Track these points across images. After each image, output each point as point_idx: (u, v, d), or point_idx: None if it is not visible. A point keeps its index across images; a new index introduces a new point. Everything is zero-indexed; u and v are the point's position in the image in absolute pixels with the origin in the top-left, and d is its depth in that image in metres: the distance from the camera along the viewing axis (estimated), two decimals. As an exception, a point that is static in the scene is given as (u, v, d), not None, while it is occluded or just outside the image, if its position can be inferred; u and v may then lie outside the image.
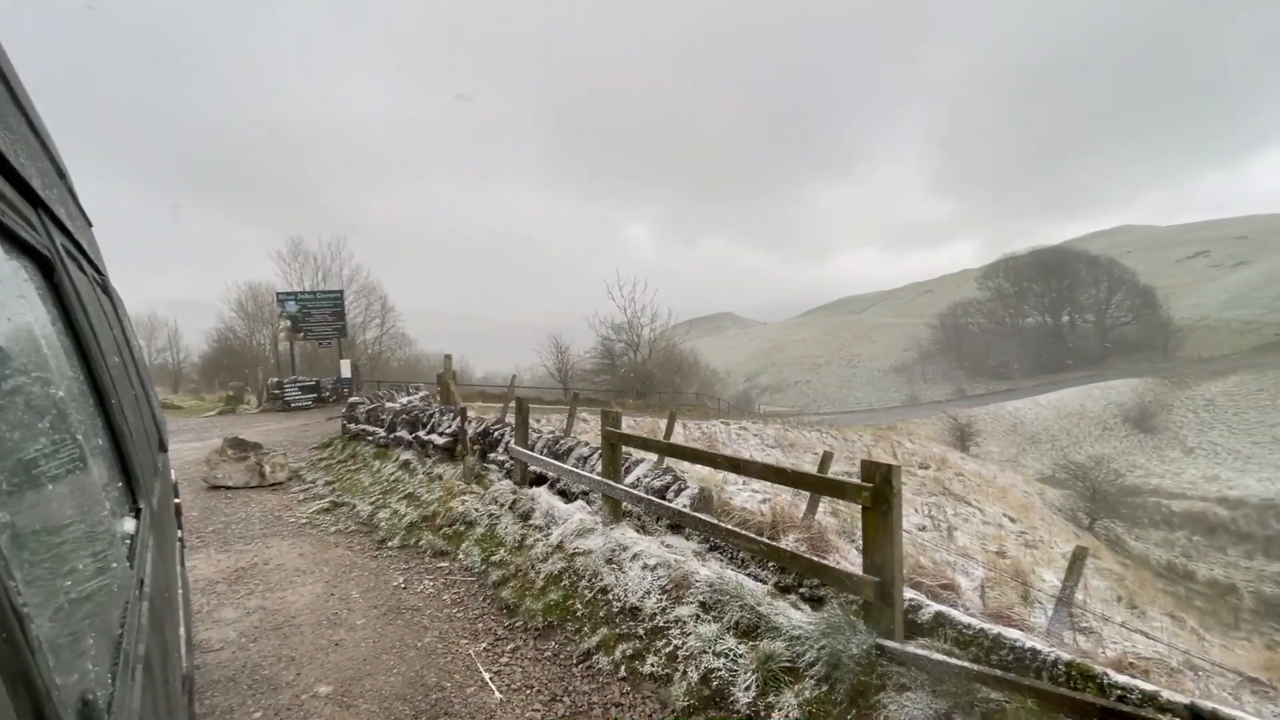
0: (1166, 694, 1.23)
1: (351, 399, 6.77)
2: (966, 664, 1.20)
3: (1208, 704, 1.13)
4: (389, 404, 6.23)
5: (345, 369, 11.42)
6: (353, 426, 5.71)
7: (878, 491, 1.41)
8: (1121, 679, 1.30)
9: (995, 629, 1.49)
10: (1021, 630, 1.72)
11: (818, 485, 1.78)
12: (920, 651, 1.33)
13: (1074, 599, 3.62)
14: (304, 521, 3.51)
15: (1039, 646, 1.43)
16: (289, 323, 11.67)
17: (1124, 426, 25.22)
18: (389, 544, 3.03)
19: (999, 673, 1.16)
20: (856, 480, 1.47)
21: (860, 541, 1.51)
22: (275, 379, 11.17)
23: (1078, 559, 3.55)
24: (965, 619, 1.50)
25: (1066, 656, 1.40)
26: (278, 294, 12.42)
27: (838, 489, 1.55)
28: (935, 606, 1.46)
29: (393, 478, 4.03)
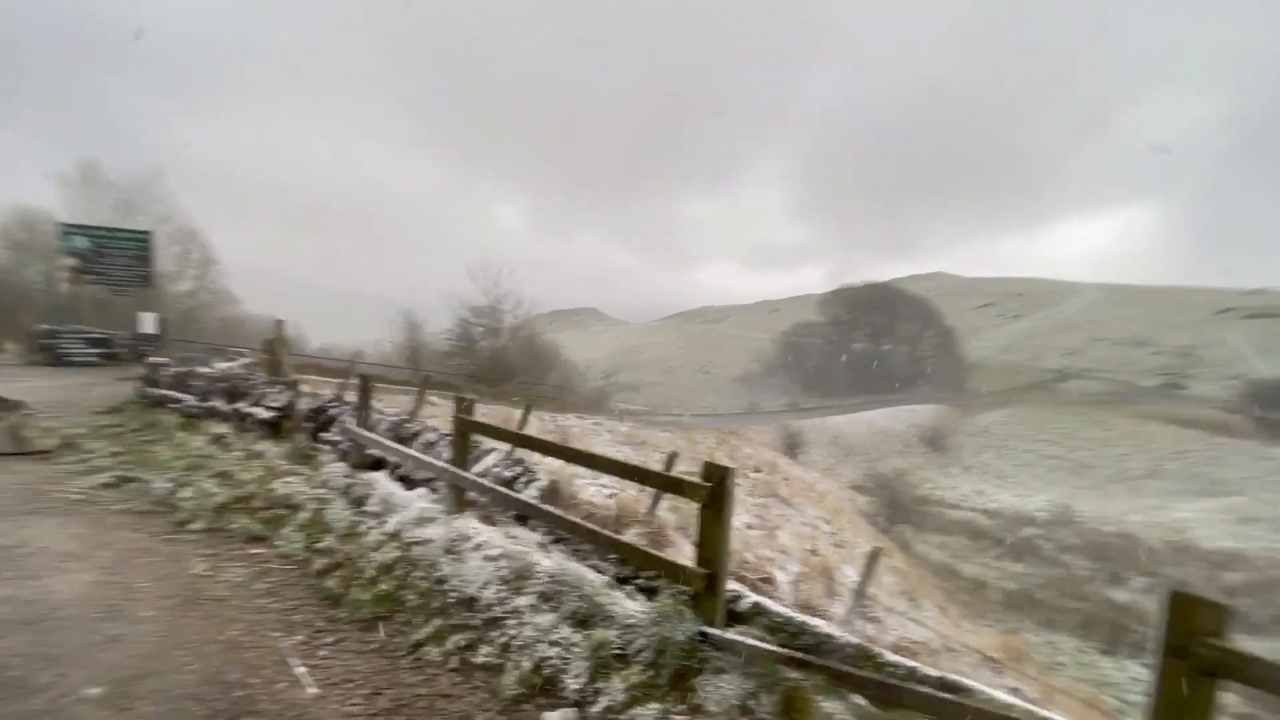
0: (924, 669, 1.47)
1: (154, 359, 5.85)
2: (773, 648, 1.35)
3: (952, 676, 1.38)
4: (203, 369, 5.48)
5: (148, 323, 9.79)
6: (154, 391, 4.93)
7: (714, 491, 1.53)
8: (893, 658, 1.53)
9: (801, 617, 1.68)
10: (823, 619, 1.96)
11: (661, 483, 1.89)
12: (736, 637, 1.46)
13: (866, 592, 4.17)
14: (79, 498, 2.98)
15: (834, 633, 1.63)
16: (75, 261, 9.75)
17: (920, 445, 29.27)
18: (190, 526, 2.67)
19: (800, 655, 1.32)
20: (696, 479, 1.58)
21: (695, 536, 1.62)
22: (48, 326, 9.26)
23: (872, 559, 4.09)
24: (778, 609, 1.68)
25: (855, 640, 1.62)
26: (62, 225, 10.32)
27: (678, 487, 1.66)
28: (754, 597, 1.62)
29: (202, 453, 3.56)
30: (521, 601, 1.74)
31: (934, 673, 1.38)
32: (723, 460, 2.49)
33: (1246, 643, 1.02)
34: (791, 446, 21.76)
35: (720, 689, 1.38)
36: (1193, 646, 0.95)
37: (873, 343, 42.32)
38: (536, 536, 2.30)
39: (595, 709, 1.42)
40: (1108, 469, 25.40)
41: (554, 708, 1.46)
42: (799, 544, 5.97)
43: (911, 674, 1.45)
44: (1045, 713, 1.53)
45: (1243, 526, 17.25)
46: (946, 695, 1.28)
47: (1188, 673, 0.96)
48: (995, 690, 1.54)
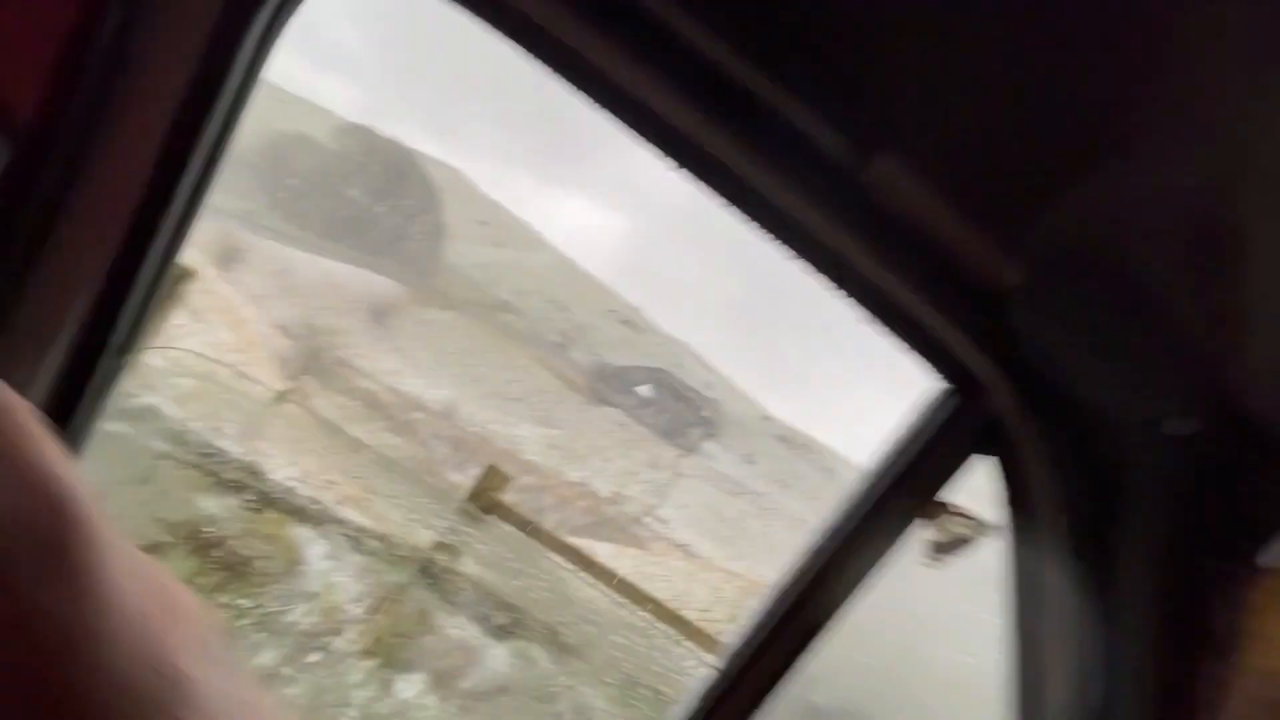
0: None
1: None
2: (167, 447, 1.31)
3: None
4: None
5: None
6: None
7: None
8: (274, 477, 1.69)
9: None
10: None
11: None
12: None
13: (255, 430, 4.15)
14: None
15: (226, 446, 1.67)
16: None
17: (365, 312, 29.89)
18: None
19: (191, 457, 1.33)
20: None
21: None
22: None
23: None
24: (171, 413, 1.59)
25: (246, 458, 1.71)
26: None
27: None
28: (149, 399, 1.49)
29: None
30: None
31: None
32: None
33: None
34: (227, 259, 18.69)
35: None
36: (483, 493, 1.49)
37: (368, 198, 40.54)
38: None
39: None
40: (495, 386, 31.87)
41: None
42: (199, 363, 5.31)
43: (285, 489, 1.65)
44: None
45: (547, 450, 24.78)
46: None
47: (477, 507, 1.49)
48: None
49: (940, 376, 0.68)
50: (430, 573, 4.65)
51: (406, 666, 3.80)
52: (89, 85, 0.53)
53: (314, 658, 3.27)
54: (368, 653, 3.45)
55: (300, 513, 4.06)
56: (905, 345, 0.67)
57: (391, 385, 25.17)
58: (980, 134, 0.54)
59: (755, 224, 0.65)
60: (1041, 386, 0.62)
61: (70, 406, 0.57)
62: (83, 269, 0.57)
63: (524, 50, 0.58)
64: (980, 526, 0.74)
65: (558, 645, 4.71)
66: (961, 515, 0.74)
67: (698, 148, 0.60)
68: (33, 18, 0.52)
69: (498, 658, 4.09)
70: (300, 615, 3.54)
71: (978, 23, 0.47)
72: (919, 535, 0.76)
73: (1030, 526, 0.68)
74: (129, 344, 0.61)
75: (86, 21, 0.51)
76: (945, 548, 0.74)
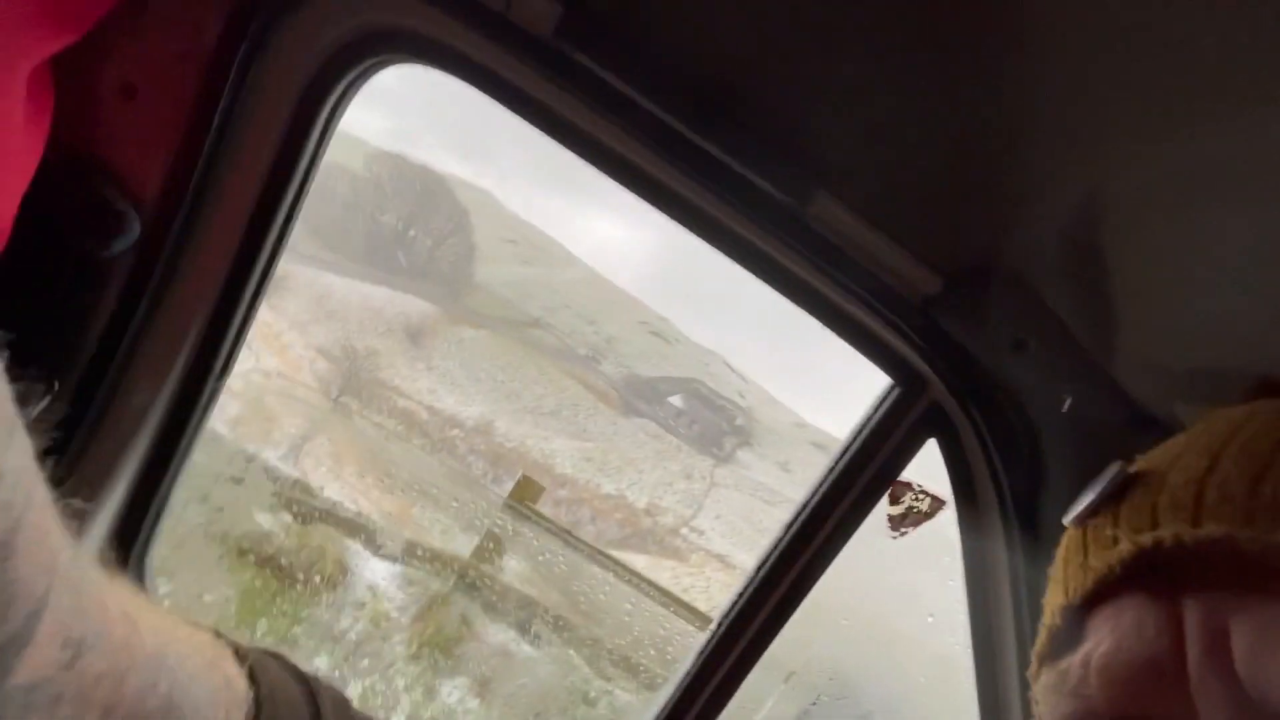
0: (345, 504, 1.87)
1: None
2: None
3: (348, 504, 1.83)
4: None
5: None
6: None
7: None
8: (327, 494, 1.87)
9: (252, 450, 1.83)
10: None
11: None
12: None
13: (304, 445, 4.40)
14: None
15: (277, 465, 1.86)
16: None
17: (401, 334, 30.83)
18: None
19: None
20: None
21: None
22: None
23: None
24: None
25: (296, 474, 1.89)
26: None
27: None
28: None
29: None
30: None
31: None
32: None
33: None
34: (270, 286, 19.52)
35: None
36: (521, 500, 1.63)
37: (400, 223, 41.93)
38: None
39: None
40: (528, 401, 32.38)
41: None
42: (246, 387, 5.66)
43: (333, 504, 1.83)
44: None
45: (582, 462, 25.04)
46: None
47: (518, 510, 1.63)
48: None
49: (886, 373, 0.79)
50: (471, 581, 4.83)
51: (450, 671, 3.97)
52: (200, 163, 0.69)
53: (364, 663, 3.46)
54: (414, 658, 3.63)
55: (347, 526, 4.29)
56: (854, 348, 0.79)
57: (428, 403, 25.88)
58: (897, 173, 0.66)
59: (722, 252, 0.78)
60: (970, 376, 0.74)
61: (185, 416, 0.74)
62: (192, 312, 0.73)
63: (512, 110, 0.72)
64: (936, 502, 0.84)
65: (595, 650, 4.83)
66: (919, 492, 0.85)
67: (667, 191, 0.73)
68: (157, 108, 0.69)
69: (537, 662, 4.23)
70: (350, 623, 3.75)
71: (886, 87, 0.60)
72: (884, 512, 0.87)
73: (974, 500, 0.79)
74: (226, 369, 0.77)
75: (201, 103, 0.67)
76: (906, 521, 0.85)
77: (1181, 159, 0.47)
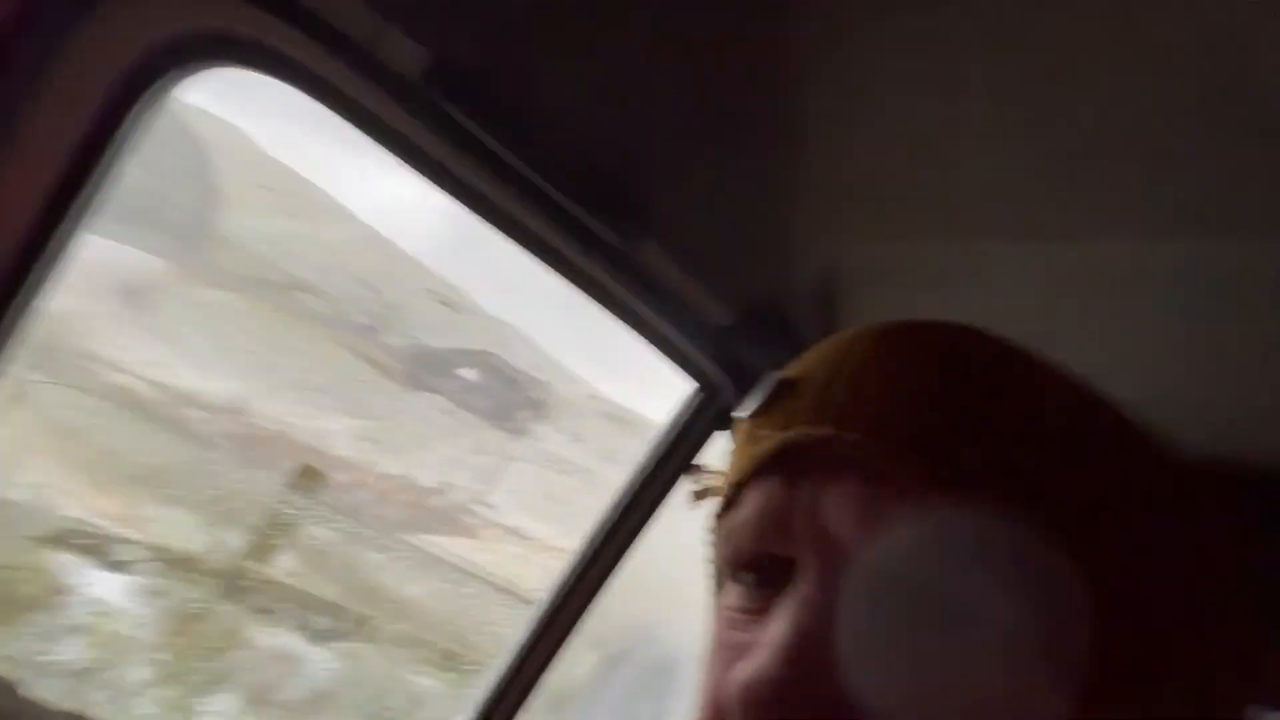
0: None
1: None
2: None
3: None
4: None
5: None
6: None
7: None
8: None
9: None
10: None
11: None
12: None
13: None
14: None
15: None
16: None
17: (115, 292, 24.85)
18: None
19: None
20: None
21: None
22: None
23: None
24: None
25: None
26: None
27: None
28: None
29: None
30: None
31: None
32: None
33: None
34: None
35: None
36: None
37: (134, 160, 33.49)
38: None
39: None
40: (291, 376, 28.67)
41: None
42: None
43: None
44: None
45: (361, 441, 23.05)
46: None
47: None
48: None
49: (689, 379, 0.99)
50: (235, 585, 4.32)
51: (215, 687, 3.56)
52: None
53: (99, 696, 2.93)
54: (169, 679, 3.17)
55: (57, 536, 3.53)
56: (663, 356, 0.96)
57: (153, 378, 21.34)
58: (707, 233, 0.84)
59: (550, 269, 0.89)
60: (753, 384, 0.96)
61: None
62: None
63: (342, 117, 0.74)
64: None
65: (386, 640, 4.67)
66: (712, 472, 1.07)
67: (510, 219, 0.82)
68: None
69: (322, 662, 3.97)
70: (71, 652, 3.14)
71: (706, 165, 0.75)
72: (685, 491, 1.07)
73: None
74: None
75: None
76: (703, 496, 1.06)
77: (896, 253, 0.70)
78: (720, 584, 0.39)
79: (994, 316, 0.65)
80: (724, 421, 1.03)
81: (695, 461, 1.03)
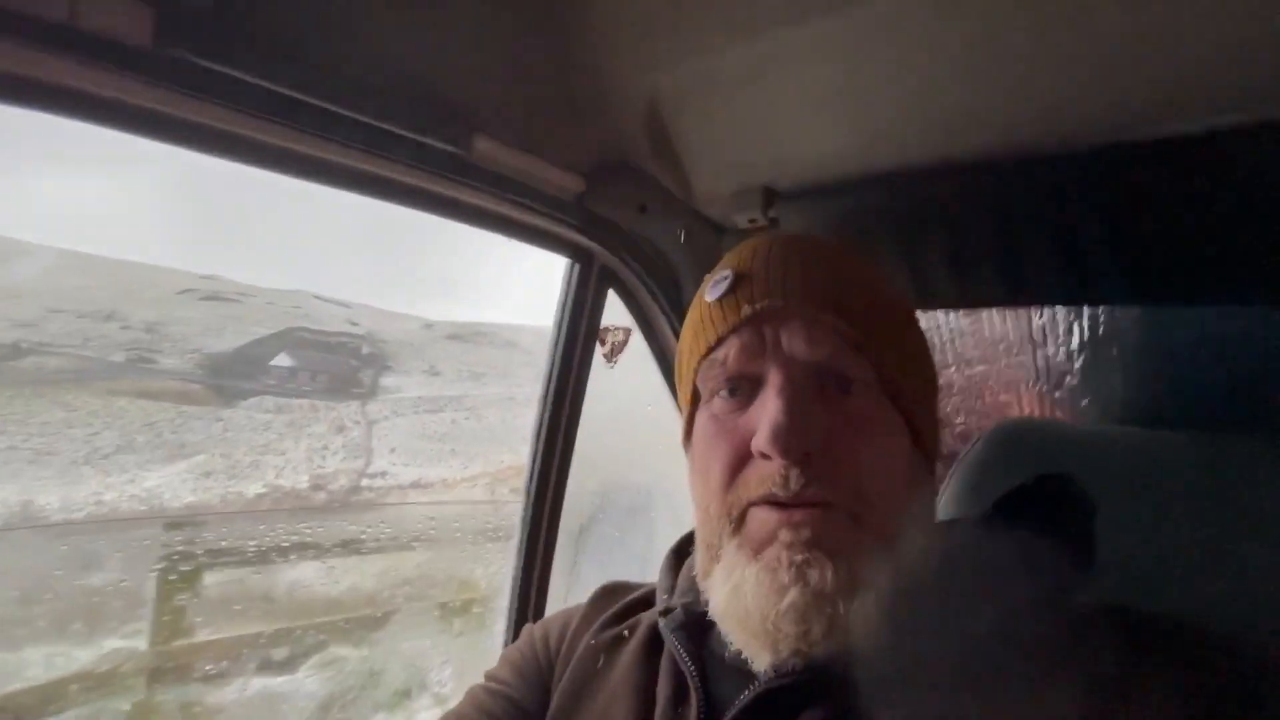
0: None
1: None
2: None
3: None
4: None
5: None
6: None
7: None
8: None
9: None
10: None
11: None
12: None
13: None
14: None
15: None
16: None
17: None
18: None
19: None
20: None
21: None
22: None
23: None
24: None
25: None
26: None
27: None
28: None
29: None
30: None
31: None
32: None
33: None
34: None
35: None
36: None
37: None
38: None
39: None
40: (76, 451, 23.93)
41: None
42: None
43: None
44: None
45: (204, 480, 20.44)
46: None
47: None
48: None
49: (564, 255, 1.03)
50: (162, 671, 3.98)
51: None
52: None
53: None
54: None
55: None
56: (533, 245, 0.99)
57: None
58: (533, 107, 0.84)
59: (394, 203, 0.86)
60: (619, 239, 1.03)
61: None
62: None
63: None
64: (625, 331, 1.17)
65: (353, 632, 4.63)
66: (614, 329, 1.16)
67: (332, 168, 0.77)
68: None
69: (305, 681, 3.89)
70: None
71: (512, 39, 0.74)
72: (598, 353, 1.16)
73: (645, 315, 1.13)
74: None
75: None
76: (614, 352, 1.16)
77: (705, 65, 0.76)
78: (707, 400, 0.55)
79: (802, 93, 0.75)
80: (604, 282, 1.10)
81: (598, 325, 1.11)
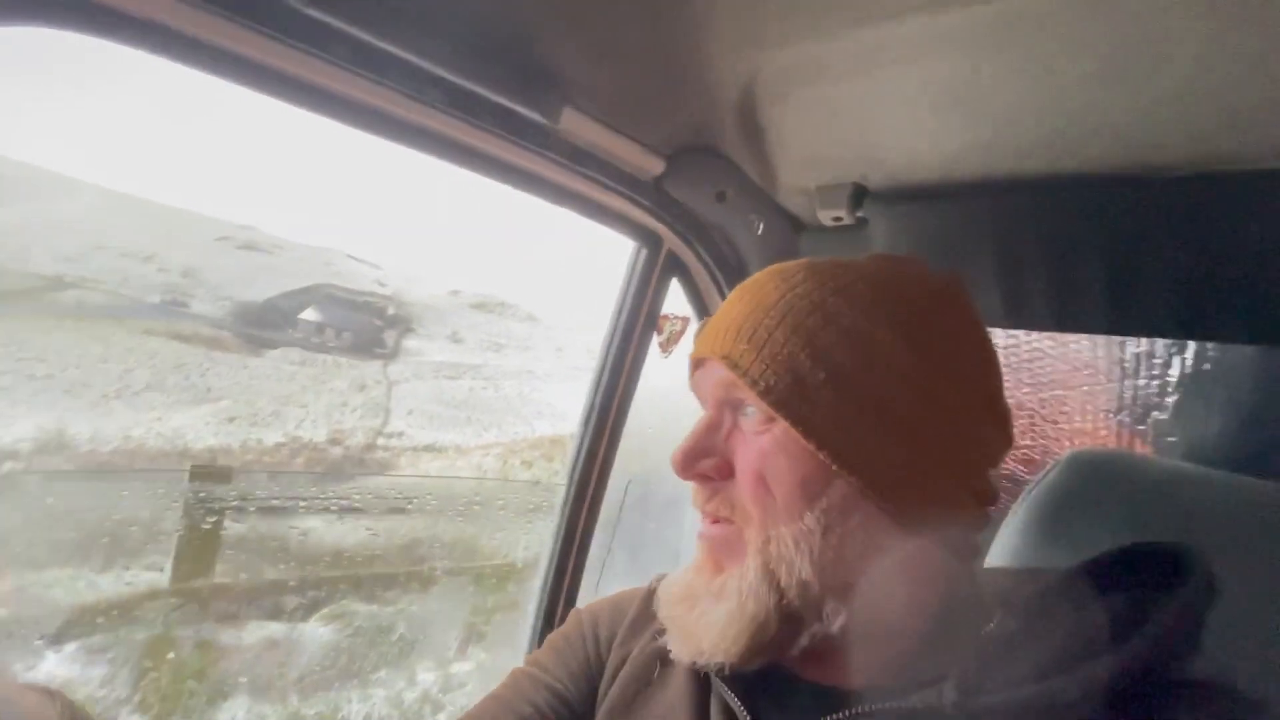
0: None
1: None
2: None
3: None
4: None
5: None
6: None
7: None
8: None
9: None
10: None
11: None
12: None
13: None
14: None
15: None
16: None
17: None
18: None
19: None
20: None
21: None
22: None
23: None
24: None
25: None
26: None
27: None
28: None
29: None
30: None
31: None
32: None
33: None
34: None
35: None
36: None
37: None
38: None
39: None
40: (108, 385, 24.71)
41: None
42: None
43: None
44: None
45: (227, 425, 21.02)
46: None
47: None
48: None
49: (632, 239, 1.00)
50: (180, 608, 4.08)
51: (217, 703, 3.50)
52: None
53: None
54: (163, 716, 3.06)
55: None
56: (604, 225, 0.96)
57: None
58: (621, 84, 0.80)
59: (475, 173, 0.83)
60: (692, 226, 0.99)
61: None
62: None
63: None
64: (684, 321, 1.14)
65: (367, 588, 4.71)
66: (673, 319, 1.13)
67: (422, 131, 0.74)
68: None
69: (315, 632, 3.97)
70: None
71: (607, 16, 0.70)
72: (655, 341, 1.13)
73: (705, 311, 1.10)
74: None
75: None
76: (670, 342, 1.13)
77: (811, 51, 0.72)
78: None
79: (914, 88, 0.71)
80: (669, 270, 1.07)
81: (658, 312, 1.08)
